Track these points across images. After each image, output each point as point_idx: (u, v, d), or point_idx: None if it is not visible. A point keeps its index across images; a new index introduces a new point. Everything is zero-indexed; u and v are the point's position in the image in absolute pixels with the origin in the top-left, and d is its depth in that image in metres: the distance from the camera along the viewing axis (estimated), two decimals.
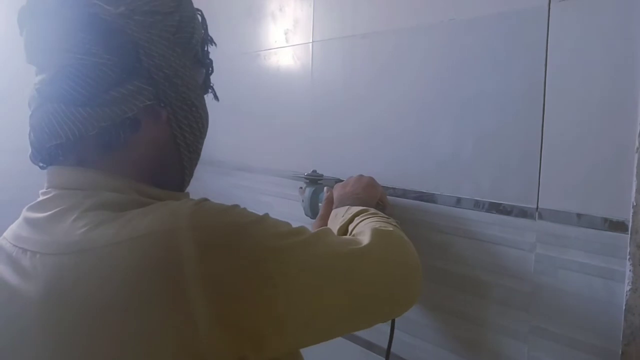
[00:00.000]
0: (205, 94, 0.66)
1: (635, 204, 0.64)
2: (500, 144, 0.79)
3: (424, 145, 0.91)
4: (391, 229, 0.69)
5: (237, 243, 0.48)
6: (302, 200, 1.05)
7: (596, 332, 0.69)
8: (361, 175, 0.91)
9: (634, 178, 0.64)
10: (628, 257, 0.65)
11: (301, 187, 1.07)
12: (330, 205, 0.90)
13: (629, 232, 0.65)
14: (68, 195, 0.54)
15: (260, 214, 0.54)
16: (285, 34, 1.24)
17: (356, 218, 0.77)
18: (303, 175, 1.07)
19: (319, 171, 1.08)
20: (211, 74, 0.67)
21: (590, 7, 0.69)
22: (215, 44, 0.67)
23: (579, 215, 0.70)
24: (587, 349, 0.70)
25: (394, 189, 0.96)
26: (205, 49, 0.65)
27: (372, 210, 0.79)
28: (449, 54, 0.86)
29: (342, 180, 0.97)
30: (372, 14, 1.01)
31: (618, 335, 0.66)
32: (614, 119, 0.67)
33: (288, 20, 1.23)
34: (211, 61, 0.67)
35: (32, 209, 0.57)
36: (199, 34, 0.63)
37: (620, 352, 0.65)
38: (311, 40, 1.17)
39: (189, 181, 0.65)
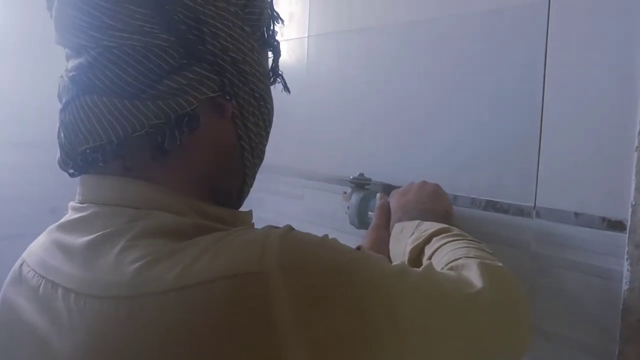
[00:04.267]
0: (272, 84, 0.55)
1: (634, 203, 0.63)
2: (497, 141, 0.79)
3: (420, 142, 0.90)
4: (500, 264, 0.56)
5: (341, 293, 0.38)
6: (348, 207, 0.92)
7: (593, 332, 0.68)
8: (424, 182, 0.78)
9: (633, 177, 0.63)
10: (626, 256, 0.64)
11: (345, 192, 0.95)
12: (385, 214, 0.78)
13: (627, 232, 0.64)
14: (111, 215, 0.43)
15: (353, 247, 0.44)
16: (280, 28, 1.22)
17: (434, 239, 0.63)
18: (348, 179, 0.94)
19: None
20: (278, 58, 0.55)
21: (591, 3, 0.68)
22: (283, 22, 0.56)
23: (576, 214, 0.69)
24: (583, 349, 0.69)
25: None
26: (272, 28, 0.53)
27: (456, 230, 0.65)
28: (446, 49, 0.85)
29: (392, 186, 0.88)
30: (368, 8, 1.00)
31: (615, 335, 0.65)
32: (613, 117, 0.66)
33: (283, 13, 1.21)
34: (278, 43, 0.54)
35: (64, 229, 0.46)
36: (267, 9, 0.52)
37: (617, 352, 0.65)
38: (306, 35, 1.15)
39: (249, 191, 0.53)
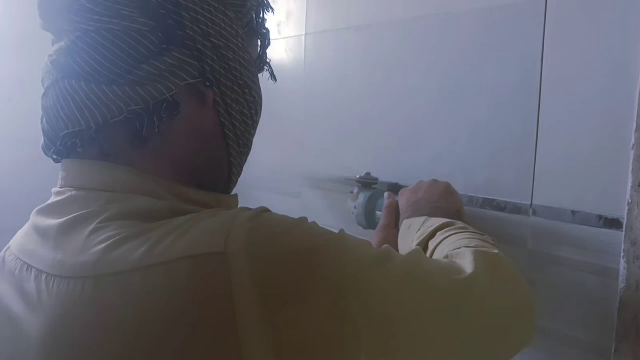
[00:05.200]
0: (259, 72, 0.54)
1: (630, 201, 0.63)
2: (495, 139, 0.79)
3: (418, 140, 0.90)
4: (496, 251, 0.54)
5: (310, 280, 0.36)
6: (355, 207, 0.91)
7: (589, 329, 0.69)
8: (435, 180, 0.77)
9: (630, 175, 0.63)
10: (622, 254, 0.64)
11: (352, 192, 0.93)
12: (393, 213, 0.78)
13: (624, 229, 0.64)
14: (88, 198, 0.43)
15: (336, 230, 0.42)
16: (278, 26, 1.22)
17: (439, 233, 0.62)
18: (355, 179, 0.93)
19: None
20: (267, 47, 0.55)
21: (588, 1, 0.68)
22: (273, 10, 0.55)
23: (573, 212, 0.70)
24: (580, 346, 0.70)
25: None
26: (262, 15, 0.53)
27: (460, 223, 0.64)
28: (444, 46, 0.85)
29: (399, 185, 0.87)
30: (366, 5, 1.00)
31: (611, 333, 0.65)
32: (610, 114, 0.66)
33: (281, 12, 1.21)
34: (268, 31, 0.54)
35: (43, 212, 0.46)
36: None
37: (613, 350, 0.65)
38: (304, 33, 1.15)
39: (237, 181, 0.53)
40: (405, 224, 0.71)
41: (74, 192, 0.44)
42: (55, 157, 0.48)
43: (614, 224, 0.66)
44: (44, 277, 0.40)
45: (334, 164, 1.05)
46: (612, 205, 0.66)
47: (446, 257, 0.54)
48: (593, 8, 0.67)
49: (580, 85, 0.69)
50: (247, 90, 0.49)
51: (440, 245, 0.60)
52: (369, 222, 0.90)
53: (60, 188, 0.46)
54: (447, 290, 0.45)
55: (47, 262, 0.41)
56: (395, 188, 0.88)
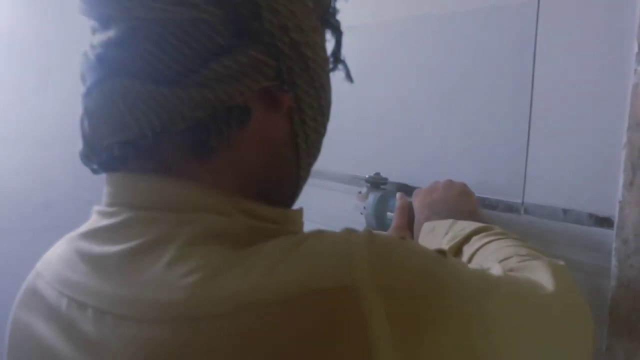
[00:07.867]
0: (332, 71, 0.47)
1: (621, 199, 0.64)
2: (487, 138, 0.79)
3: (410, 139, 0.90)
4: (562, 263, 0.52)
5: (437, 311, 0.33)
6: (364, 207, 0.89)
7: None
8: (451, 181, 0.73)
9: (621, 173, 0.64)
10: (613, 252, 0.64)
11: (360, 192, 0.92)
12: (406, 214, 0.76)
13: (615, 228, 0.64)
14: (151, 220, 0.36)
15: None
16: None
17: (474, 238, 0.59)
18: (364, 178, 0.91)
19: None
20: (341, 41, 0.48)
21: (581, 3, 0.68)
22: None
23: (564, 211, 0.70)
24: None
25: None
26: (333, 4, 0.45)
27: (498, 228, 0.60)
28: (436, 47, 0.85)
29: (408, 185, 0.86)
30: (359, 5, 1.00)
31: (603, 331, 0.66)
32: (602, 114, 0.66)
33: None
34: (339, 23, 0.46)
35: (89, 237, 0.39)
36: None
37: (604, 348, 0.65)
38: None
39: (299, 194, 0.46)
40: (427, 226, 0.67)
41: (131, 213, 0.37)
42: (95, 167, 0.41)
43: (605, 222, 0.66)
44: (108, 318, 0.34)
45: (327, 161, 1.05)
46: (604, 203, 0.66)
47: (511, 269, 0.50)
48: (584, 10, 0.67)
49: (571, 84, 0.69)
50: (322, 94, 0.43)
51: (479, 251, 0.56)
52: (379, 222, 0.88)
53: (110, 207, 0.39)
54: (536, 304, 0.44)
55: (111, 299, 0.35)
56: (404, 188, 0.87)
